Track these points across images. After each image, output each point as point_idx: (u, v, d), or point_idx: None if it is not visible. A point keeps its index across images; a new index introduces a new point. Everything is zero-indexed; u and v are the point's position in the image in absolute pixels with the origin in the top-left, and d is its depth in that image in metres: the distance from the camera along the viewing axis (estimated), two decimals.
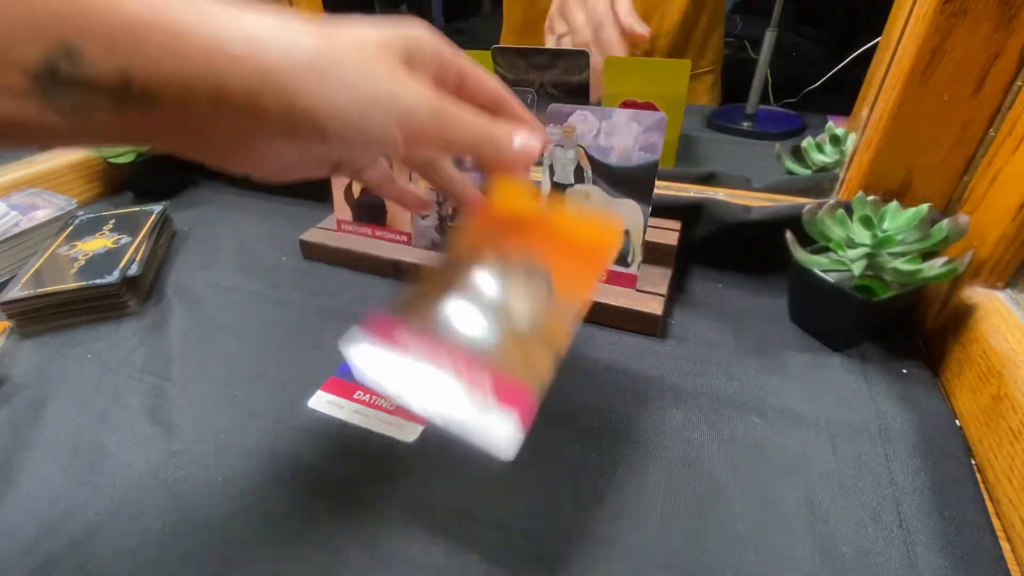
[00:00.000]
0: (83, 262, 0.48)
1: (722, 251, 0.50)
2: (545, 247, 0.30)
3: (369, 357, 0.25)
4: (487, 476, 0.32)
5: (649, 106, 0.55)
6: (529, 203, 0.30)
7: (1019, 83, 0.35)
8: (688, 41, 0.97)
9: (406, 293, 0.28)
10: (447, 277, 0.28)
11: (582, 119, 0.41)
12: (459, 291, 0.27)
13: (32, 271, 0.47)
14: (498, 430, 0.22)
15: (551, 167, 0.43)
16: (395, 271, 0.51)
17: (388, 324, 0.26)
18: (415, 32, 0.23)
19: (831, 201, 0.41)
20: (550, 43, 0.75)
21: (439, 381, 0.24)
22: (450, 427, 0.22)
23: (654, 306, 0.43)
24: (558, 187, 0.44)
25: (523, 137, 0.25)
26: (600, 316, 0.44)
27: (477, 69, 0.26)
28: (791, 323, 0.44)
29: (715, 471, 0.32)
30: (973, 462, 0.33)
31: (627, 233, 0.43)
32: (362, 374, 0.25)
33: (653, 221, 0.49)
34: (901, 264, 0.37)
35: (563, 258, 0.29)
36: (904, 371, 0.39)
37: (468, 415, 0.22)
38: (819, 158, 0.57)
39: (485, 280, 0.28)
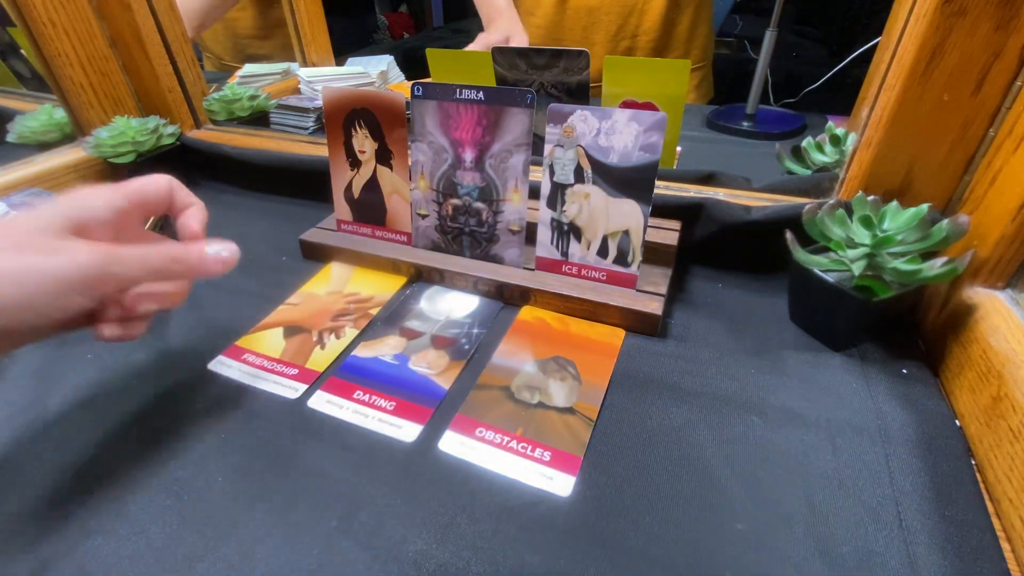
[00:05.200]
0: None
1: (722, 251, 0.50)
2: (569, 347, 0.42)
3: (457, 446, 0.34)
4: (485, 476, 0.33)
5: (649, 106, 0.55)
6: (553, 317, 0.45)
7: (1019, 83, 0.35)
8: (671, 39, 0.97)
9: (475, 397, 0.38)
10: (501, 380, 0.39)
11: (582, 119, 0.41)
12: (513, 389, 0.38)
13: None
14: (557, 481, 0.32)
15: (551, 167, 0.43)
16: (395, 271, 0.51)
17: (467, 422, 0.36)
18: (83, 202, 0.28)
19: (831, 201, 0.41)
20: None
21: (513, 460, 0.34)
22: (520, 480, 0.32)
23: (654, 306, 0.43)
24: (558, 187, 0.44)
25: (216, 246, 0.33)
26: (600, 316, 0.44)
27: (185, 208, 0.35)
28: (791, 323, 0.44)
29: (715, 471, 0.32)
30: (973, 462, 0.33)
31: (627, 233, 0.43)
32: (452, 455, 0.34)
33: (653, 221, 0.49)
34: (901, 264, 0.37)
35: (584, 354, 0.41)
36: (904, 371, 0.39)
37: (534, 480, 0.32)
38: (819, 158, 0.57)
39: (529, 376, 0.39)
